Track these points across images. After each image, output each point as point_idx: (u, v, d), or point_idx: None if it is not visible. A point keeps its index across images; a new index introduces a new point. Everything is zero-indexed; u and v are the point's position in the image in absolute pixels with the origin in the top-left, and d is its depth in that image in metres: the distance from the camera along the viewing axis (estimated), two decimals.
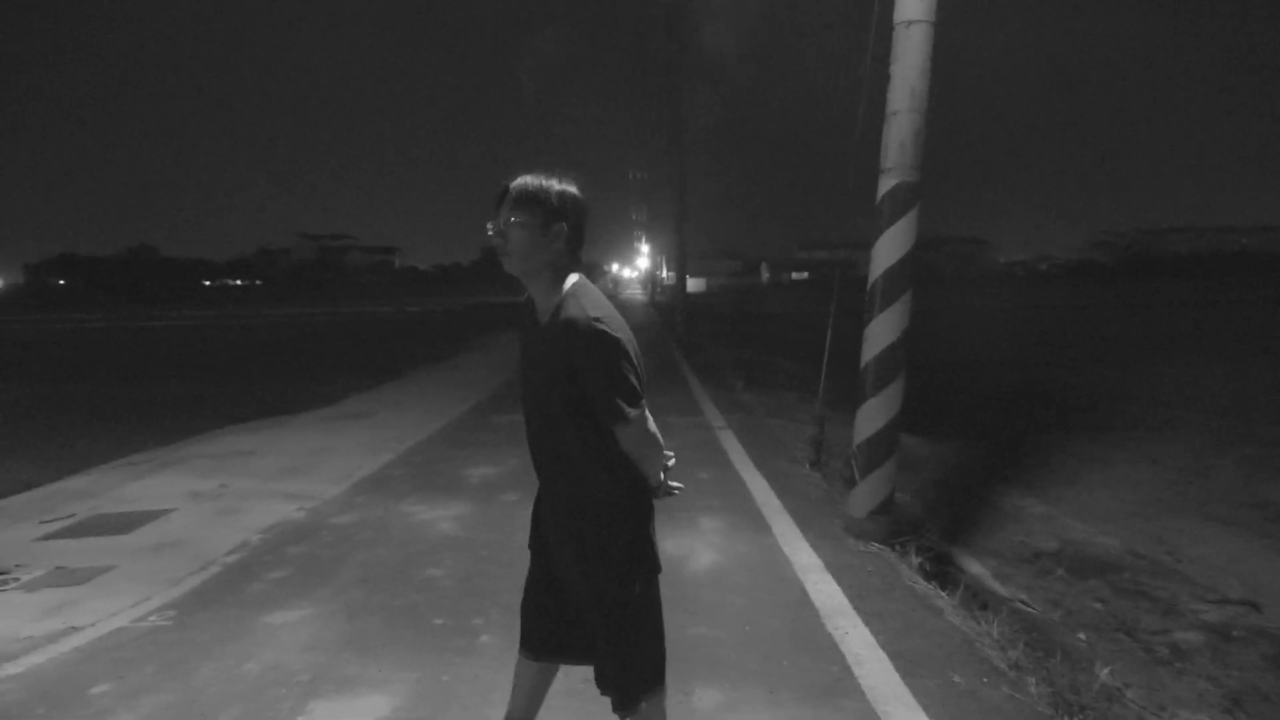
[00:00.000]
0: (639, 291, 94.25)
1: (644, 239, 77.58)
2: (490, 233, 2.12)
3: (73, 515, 5.82)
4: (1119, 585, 5.02)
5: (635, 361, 2.08)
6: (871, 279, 4.91)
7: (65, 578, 4.56)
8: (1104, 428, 9.63)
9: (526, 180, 2.09)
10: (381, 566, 4.65)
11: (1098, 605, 4.73)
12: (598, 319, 2.02)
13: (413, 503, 5.98)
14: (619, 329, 2.05)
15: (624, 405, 2.04)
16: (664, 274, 72.67)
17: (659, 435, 2.21)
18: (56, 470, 7.37)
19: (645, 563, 2.20)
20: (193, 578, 4.53)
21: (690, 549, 4.81)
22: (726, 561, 4.62)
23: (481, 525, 5.38)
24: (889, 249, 4.82)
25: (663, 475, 2.27)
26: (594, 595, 2.18)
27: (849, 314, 6.33)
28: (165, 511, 5.86)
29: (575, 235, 2.12)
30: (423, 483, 6.60)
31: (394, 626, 3.81)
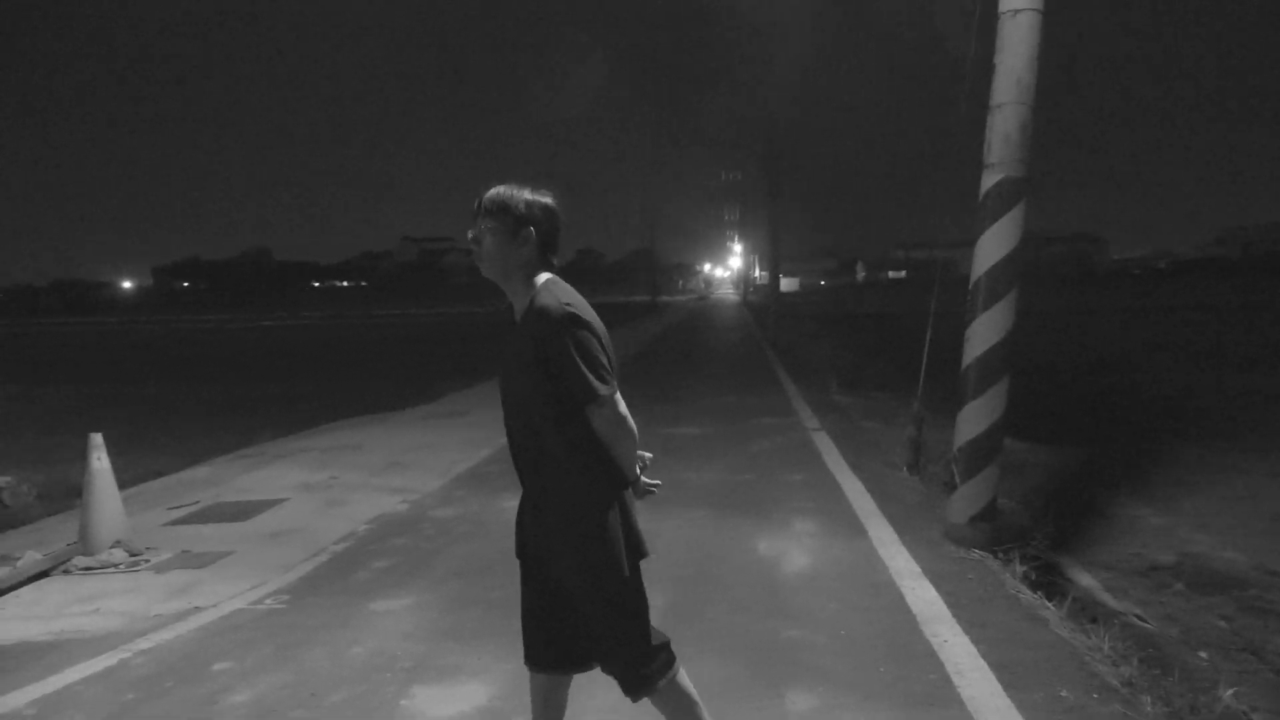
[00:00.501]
0: (731, 291, 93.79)
1: (736, 238, 77.11)
2: (470, 238, 2.26)
3: (197, 502, 6.20)
4: (1245, 602, 4.71)
5: (605, 346, 2.19)
6: (974, 277, 4.75)
7: (190, 561, 4.86)
8: (1228, 435, 9.04)
9: (498, 190, 2.24)
10: (479, 559, 4.78)
11: (1221, 623, 4.45)
12: (569, 304, 2.14)
13: (509, 498, 6.12)
14: (590, 316, 2.17)
15: (595, 382, 2.12)
16: (757, 273, 72.11)
17: (633, 426, 2.26)
18: (182, 461, 7.85)
19: (635, 549, 2.28)
20: (304, 564, 4.76)
21: (783, 551, 4.77)
22: (820, 565, 4.55)
23: None
24: (992, 246, 4.66)
25: (639, 471, 2.34)
26: (592, 584, 2.24)
27: (949, 314, 6.14)
28: (279, 501, 6.18)
29: (545, 240, 2.26)
30: (515, 479, 6.73)
31: (491, 618, 3.91)
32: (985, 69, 4.74)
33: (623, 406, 2.21)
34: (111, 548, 4.88)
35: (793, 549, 4.81)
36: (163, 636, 3.79)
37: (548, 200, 2.27)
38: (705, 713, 2.42)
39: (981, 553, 4.69)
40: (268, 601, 4.20)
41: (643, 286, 69.80)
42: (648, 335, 26.65)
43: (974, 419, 4.78)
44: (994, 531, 4.83)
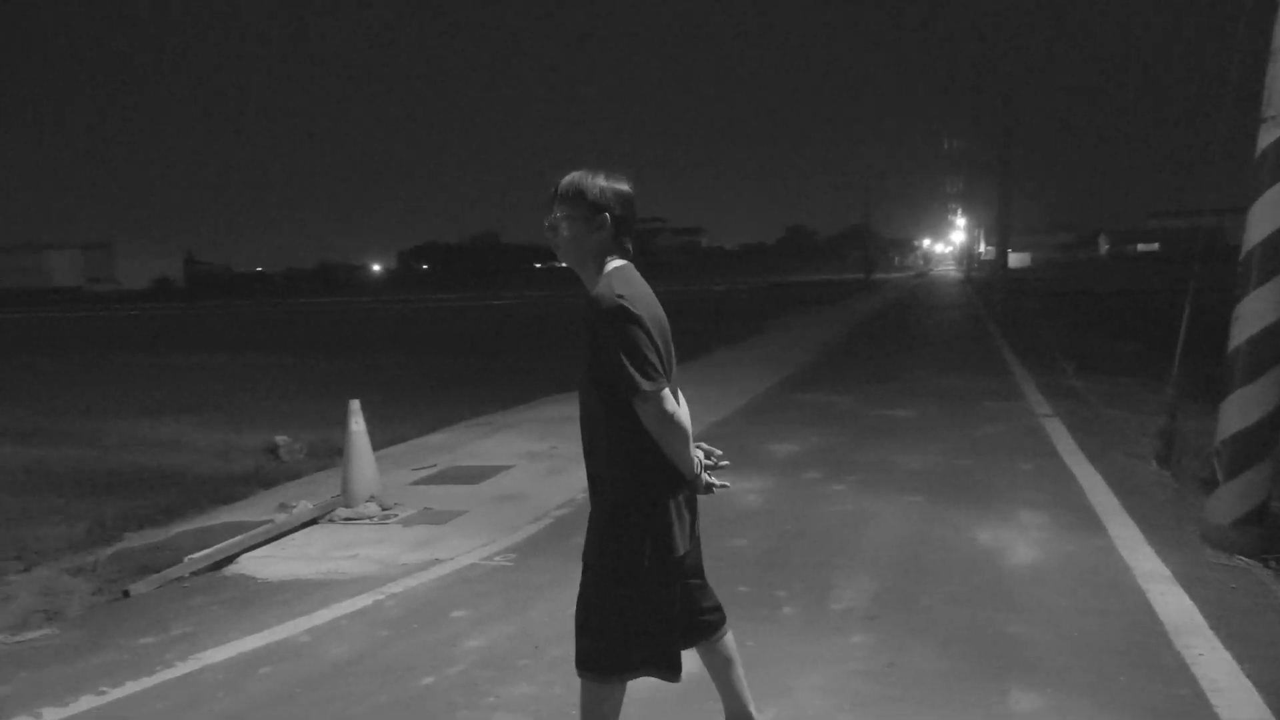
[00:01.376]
0: (952, 267, 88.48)
1: (959, 211, 72.47)
2: (546, 226, 2.29)
3: (435, 465, 6.82)
4: None
5: (655, 342, 2.15)
6: (1246, 248, 4.18)
7: (431, 517, 5.36)
8: None
9: (574, 176, 2.25)
10: None
11: None
12: (621, 295, 2.12)
13: (724, 474, 6.20)
14: (642, 309, 2.14)
15: (638, 377, 2.09)
16: (982, 248, 67.48)
17: (687, 425, 2.21)
18: (422, 427, 8.63)
19: (665, 546, 2.22)
20: (528, 527, 5.11)
21: (1007, 544, 4.49)
22: (1050, 560, 4.24)
23: (784, 500, 5.44)
24: (1271, 212, 4.07)
25: (699, 469, 2.28)
26: (595, 557, 2.28)
27: (1212, 290, 5.45)
28: (506, 467, 6.65)
29: (619, 226, 2.25)
30: (729, 455, 6.80)
31: None
32: (1266, 6, 4.13)
33: (670, 404, 2.16)
34: (367, 502, 5.49)
35: (1018, 542, 4.51)
36: (409, 583, 4.22)
37: (622, 186, 2.26)
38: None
39: (1248, 560, 4.15)
40: (497, 558, 4.55)
41: (856, 263, 67.61)
42: (861, 314, 25.82)
43: (1243, 408, 4.22)
44: (1264, 537, 4.26)
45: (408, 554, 4.68)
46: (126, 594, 4.24)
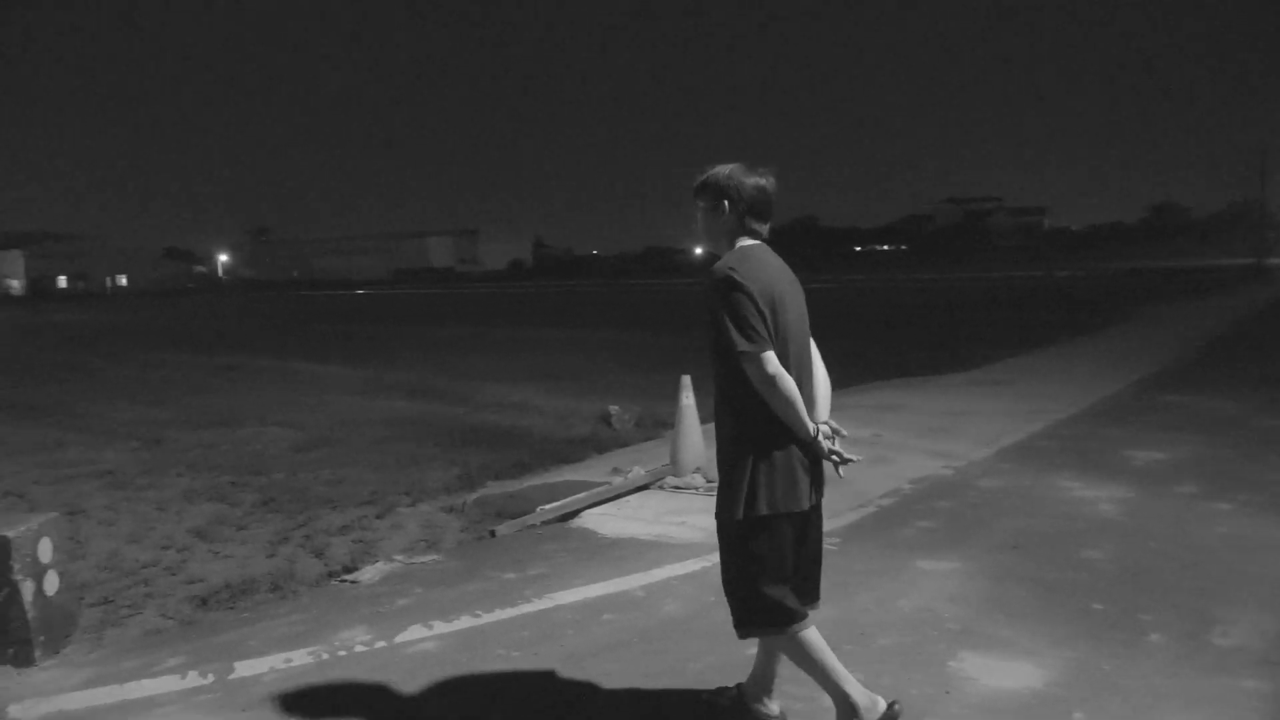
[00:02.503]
0: None
1: None
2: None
3: None
4: None
5: (762, 310, 2.32)
6: None
7: None
8: None
9: (707, 170, 2.55)
10: (1031, 536, 4.48)
11: None
12: (732, 268, 2.35)
13: (1066, 477, 5.61)
14: (752, 281, 2.34)
15: (738, 337, 2.30)
16: None
17: (787, 388, 2.31)
18: None
19: (756, 500, 2.36)
20: (851, 513, 5.01)
21: None
22: None
23: (1149, 514, 4.78)
24: None
25: (817, 435, 2.38)
26: (718, 515, 2.50)
27: None
28: None
29: (744, 211, 2.49)
30: (1076, 458, 6.14)
31: (1046, 600, 3.65)
32: None
33: (772, 366, 2.31)
34: (694, 472, 5.74)
35: None
36: (715, 558, 4.33)
37: (752, 178, 2.49)
38: (835, 667, 2.47)
39: None
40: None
41: (1244, 246, 57.22)
42: (1249, 307, 21.84)
43: None
44: None
45: None
46: (493, 534, 4.85)
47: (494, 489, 5.97)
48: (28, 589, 3.28)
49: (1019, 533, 4.56)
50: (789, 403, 2.31)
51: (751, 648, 3.23)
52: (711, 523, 4.77)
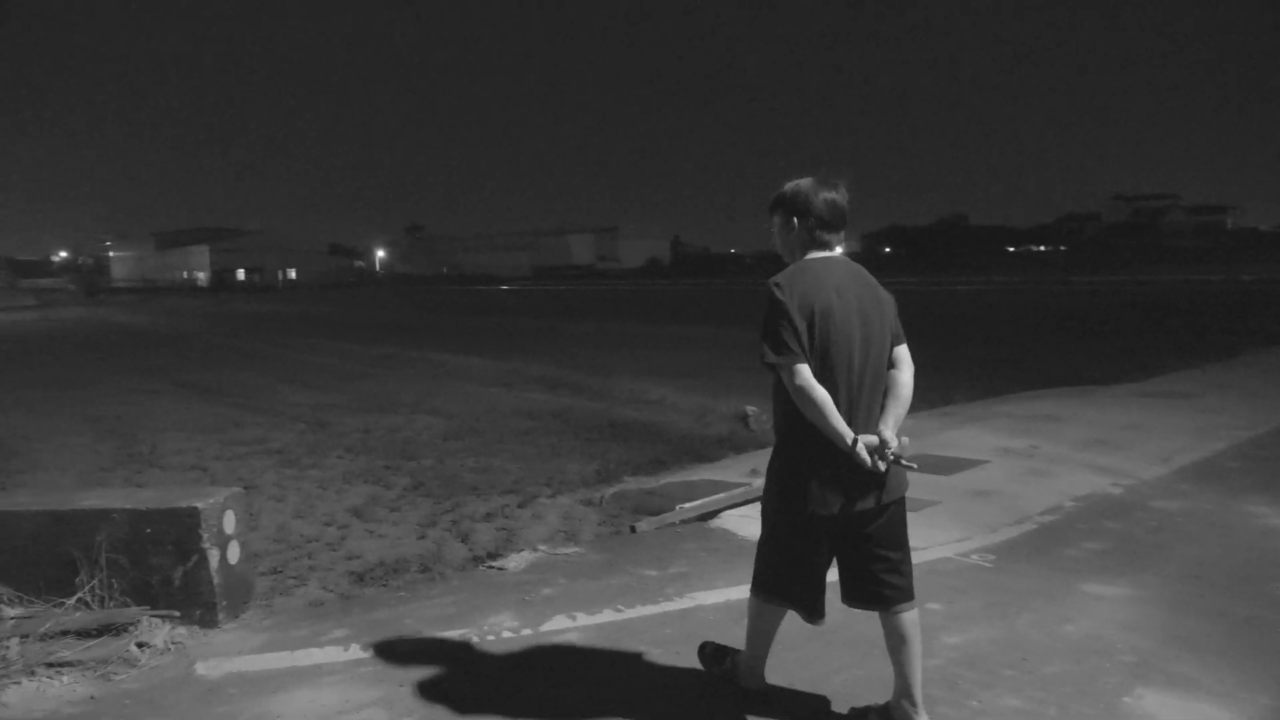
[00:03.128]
0: None
1: None
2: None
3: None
4: None
5: (795, 325, 2.44)
6: None
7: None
8: None
9: (782, 187, 2.68)
10: (1217, 566, 4.08)
11: None
12: (777, 283, 2.51)
13: (1256, 502, 5.09)
14: (790, 294, 2.47)
15: (766, 349, 2.48)
16: None
17: (817, 399, 2.41)
18: None
19: (795, 499, 2.53)
20: (1008, 529, 4.72)
21: None
22: None
23: None
24: None
25: (855, 445, 2.39)
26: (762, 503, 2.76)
27: None
28: (979, 462, 6.24)
29: (816, 224, 2.59)
30: (1267, 481, 5.56)
31: (1234, 637, 3.31)
32: None
33: (800, 378, 2.43)
34: None
35: None
36: None
37: (823, 194, 2.59)
38: (764, 651, 2.85)
39: None
40: (973, 557, 4.28)
41: None
42: None
43: None
44: None
45: None
46: (633, 529, 4.88)
47: (631, 484, 6.01)
48: (214, 557, 3.56)
49: (1201, 561, 4.16)
50: (820, 413, 2.42)
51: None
52: None
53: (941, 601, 3.70)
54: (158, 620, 3.48)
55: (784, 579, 2.69)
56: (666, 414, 8.75)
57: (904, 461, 2.45)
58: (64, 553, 3.55)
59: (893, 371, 2.59)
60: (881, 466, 2.43)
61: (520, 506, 5.52)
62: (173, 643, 3.40)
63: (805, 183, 2.62)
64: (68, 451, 7.79)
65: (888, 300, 2.60)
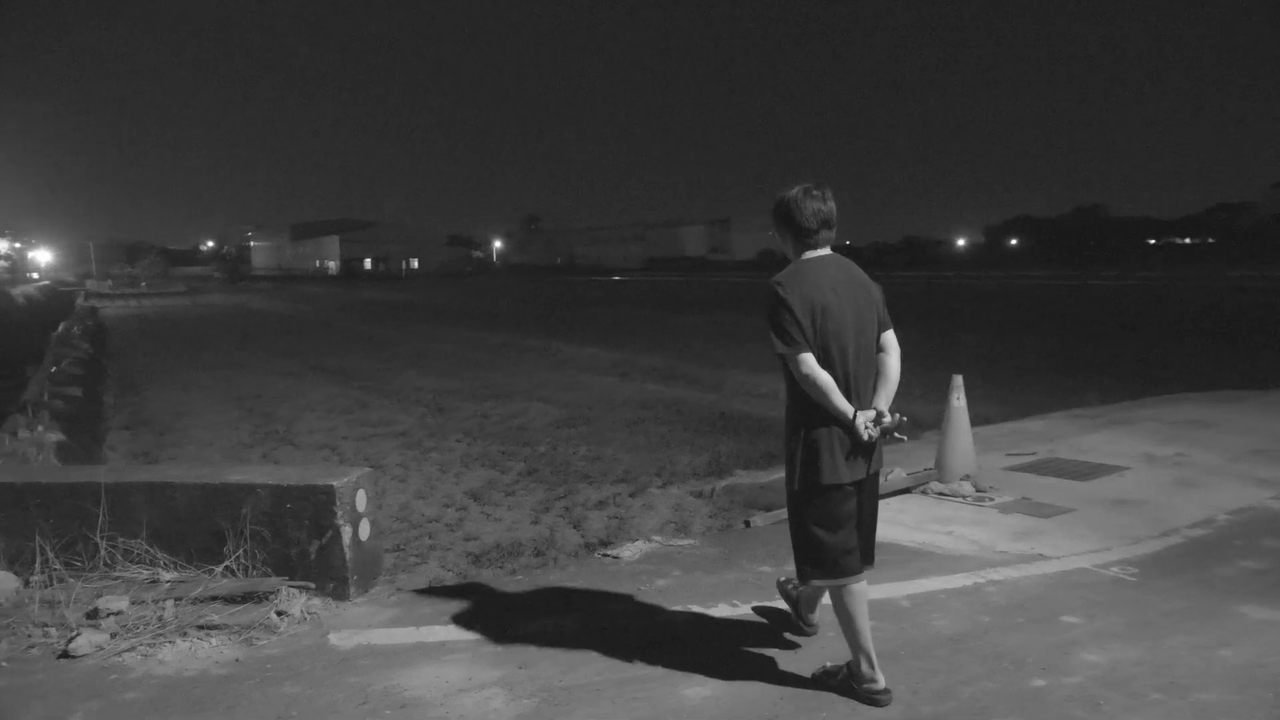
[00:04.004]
0: None
1: None
2: None
3: (1034, 454, 6.33)
4: None
5: (798, 318, 2.74)
6: None
7: (1031, 508, 4.98)
8: None
9: (776, 197, 2.92)
10: None
11: None
12: (779, 283, 2.81)
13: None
14: (792, 292, 2.76)
15: (775, 339, 2.78)
16: None
17: (821, 383, 2.72)
18: (1008, 410, 8.07)
19: (813, 472, 2.79)
20: (1152, 541, 4.41)
21: None
22: None
23: None
24: None
25: (858, 423, 2.73)
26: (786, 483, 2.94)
27: None
28: (1119, 468, 5.85)
29: (807, 229, 2.86)
30: None
31: None
32: None
33: (806, 366, 2.74)
34: (961, 479, 5.35)
35: None
36: (1009, 573, 3.97)
37: (806, 200, 2.83)
38: (865, 630, 2.84)
39: None
40: (1114, 569, 4.01)
41: None
42: None
43: None
44: None
45: (1007, 542, 4.42)
46: (748, 524, 4.82)
47: (742, 478, 5.95)
48: (346, 533, 3.72)
49: None
50: (824, 394, 2.73)
51: (1037, 678, 2.94)
52: (984, 536, 4.48)
53: (1080, 615, 3.48)
54: (295, 590, 3.67)
55: (840, 548, 2.85)
56: (778, 408, 8.55)
57: (897, 434, 2.81)
58: (213, 523, 3.79)
59: (882, 355, 2.91)
60: (875, 433, 2.77)
61: (631, 496, 5.55)
62: (308, 613, 3.58)
63: (794, 192, 2.86)
64: (213, 428, 8.35)
65: (876, 291, 2.92)
